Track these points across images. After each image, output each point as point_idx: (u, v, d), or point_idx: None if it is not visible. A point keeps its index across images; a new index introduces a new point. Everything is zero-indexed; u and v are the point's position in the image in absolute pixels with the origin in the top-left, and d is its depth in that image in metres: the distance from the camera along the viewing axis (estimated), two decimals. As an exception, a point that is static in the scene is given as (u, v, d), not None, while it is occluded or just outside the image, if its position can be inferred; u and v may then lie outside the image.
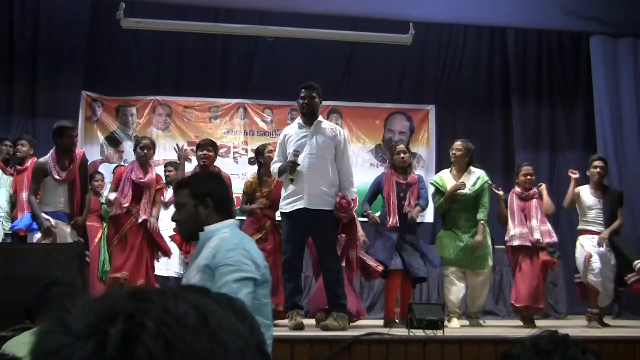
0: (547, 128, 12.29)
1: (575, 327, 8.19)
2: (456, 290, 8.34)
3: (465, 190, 8.33)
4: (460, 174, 8.44)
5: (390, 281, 8.17)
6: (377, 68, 12.42)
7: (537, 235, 8.47)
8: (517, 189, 8.71)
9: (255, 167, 8.85)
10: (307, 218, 6.82)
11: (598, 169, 8.71)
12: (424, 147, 12.48)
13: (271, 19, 11.47)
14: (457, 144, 8.55)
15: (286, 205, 6.95)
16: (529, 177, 8.67)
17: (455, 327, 7.88)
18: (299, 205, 6.84)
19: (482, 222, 8.31)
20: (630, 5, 10.96)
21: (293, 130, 7.09)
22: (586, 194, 8.75)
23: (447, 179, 8.50)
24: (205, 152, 7.91)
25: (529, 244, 8.47)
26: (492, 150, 12.40)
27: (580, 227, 8.83)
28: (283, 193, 7.06)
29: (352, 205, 7.04)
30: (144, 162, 8.10)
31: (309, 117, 7.03)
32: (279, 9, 11.02)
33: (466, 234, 8.30)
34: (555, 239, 8.68)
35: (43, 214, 7.49)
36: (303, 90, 7.13)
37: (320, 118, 7.15)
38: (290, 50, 11.90)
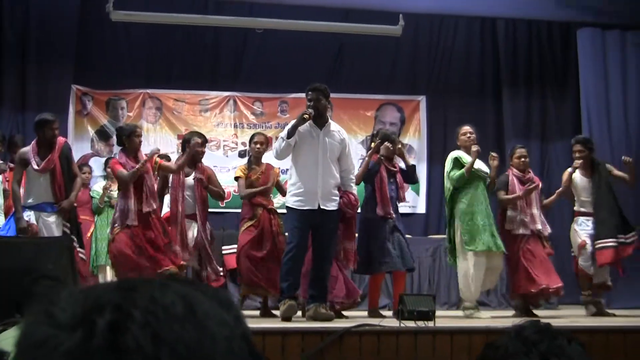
0: (537, 118, 12.32)
1: (567, 317, 8.23)
2: (490, 276, 8.33)
3: (486, 169, 8.34)
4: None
5: (375, 276, 8.30)
6: (368, 60, 12.42)
7: (539, 225, 8.57)
8: (516, 172, 8.75)
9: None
10: (317, 217, 6.98)
11: (577, 153, 8.84)
12: (415, 138, 12.49)
13: (261, 11, 11.45)
14: (469, 129, 8.45)
15: (296, 202, 7.06)
16: (523, 159, 8.78)
17: (486, 317, 7.96)
18: (311, 205, 6.98)
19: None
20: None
21: (304, 128, 7.09)
22: (576, 176, 8.85)
23: (466, 158, 8.30)
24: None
25: (529, 232, 8.54)
26: (484, 141, 12.33)
27: (575, 208, 8.95)
28: (291, 187, 7.17)
29: (358, 202, 7.34)
30: (136, 149, 8.08)
31: (317, 119, 7.09)
32: (268, 0, 11.02)
33: (487, 213, 8.24)
34: (549, 230, 8.76)
35: (24, 215, 7.60)
36: (309, 92, 7.18)
37: (329, 120, 7.24)
38: (280, 43, 11.88)
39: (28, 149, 7.74)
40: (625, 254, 8.59)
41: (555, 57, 12.41)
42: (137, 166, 7.69)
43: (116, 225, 7.78)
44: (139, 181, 7.88)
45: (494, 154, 8.41)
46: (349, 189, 7.19)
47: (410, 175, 8.50)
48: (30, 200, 7.70)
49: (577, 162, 8.75)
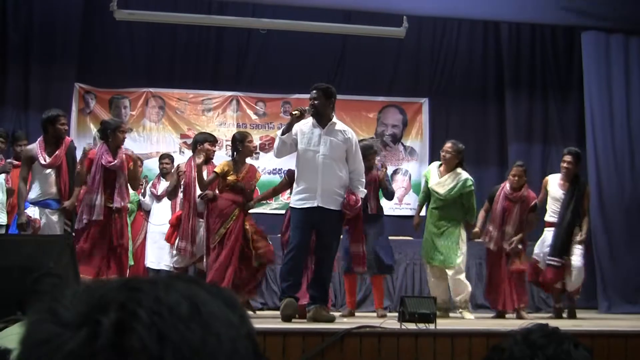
0: (540, 122, 12.31)
1: (567, 320, 8.23)
2: (434, 286, 8.61)
3: (442, 192, 8.43)
4: (446, 173, 8.56)
5: (374, 278, 8.67)
6: (371, 61, 12.41)
7: (506, 245, 8.68)
8: (507, 188, 8.80)
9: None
10: (317, 216, 6.95)
11: (565, 163, 8.81)
12: (418, 141, 12.49)
13: (264, 11, 11.46)
14: (448, 146, 8.65)
15: (297, 202, 7.07)
16: (516, 178, 8.78)
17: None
18: (311, 204, 6.97)
19: (471, 224, 8.63)
20: (622, 1, 10.98)
21: (307, 127, 7.12)
22: (554, 184, 8.85)
23: (432, 172, 8.69)
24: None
25: (496, 249, 8.75)
26: (486, 144, 12.43)
27: (545, 217, 8.94)
28: (294, 188, 7.19)
29: (359, 203, 7.20)
30: (118, 145, 8.07)
31: (317, 119, 7.10)
32: (272, 1, 11.01)
33: (440, 231, 8.45)
34: (520, 247, 8.78)
35: (26, 211, 7.69)
36: (311, 91, 7.20)
37: (334, 120, 7.20)
38: (283, 43, 11.89)
39: (34, 146, 7.80)
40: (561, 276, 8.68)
41: (559, 60, 12.40)
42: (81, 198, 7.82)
43: (84, 218, 7.81)
44: (110, 176, 7.89)
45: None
46: (354, 190, 7.11)
47: (384, 193, 8.71)
48: (35, 196, 7.75)
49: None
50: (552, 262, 8.62)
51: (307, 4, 10.85)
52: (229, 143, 11.93)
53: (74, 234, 7.80)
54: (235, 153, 8.31)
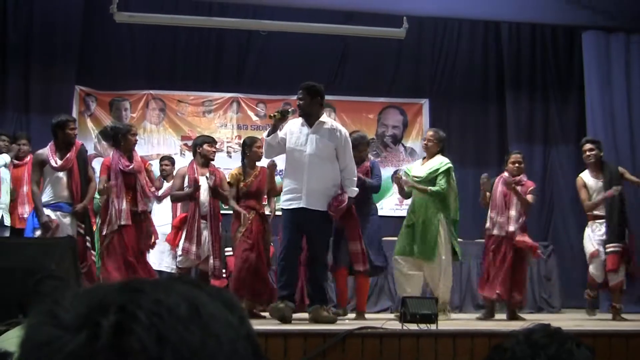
0: (540, 122, 12.32)
1: (569, 320, 8.22)
2: (408, 281, 8.19)
3: (421, 174, 8.34)
4: (428, 160, 8.50)
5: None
6: (371, 62, 12.42)
7: (512, 227, 8.52)
8: (506, 176, 8.72)
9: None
10: (303, 216, 6.93)
11: (587, 152, 8.77)
12: (418, 141, 12.48)
13: (265, 13, 11.45)
14: (430, 134, 8.62)
15: (285, 202, 7.08)
16: (517, 165, 8.74)
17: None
18: (297, 204, 6.94)
19: (430, 189, 8.16)
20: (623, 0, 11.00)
21: (296, 126, 7.12)
22: (588, 179, 8.80)
23: (414, 167, 8.67)
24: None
25: (504, 234, 8.54)
26: (486, 144, 12.43)
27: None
28: (283, 187, 7.21)
29: (343, 205, 7.04)
30: (131, 149, 8.13)
31: (305, 118, 7.09)
32: (272, 3, 11.02)
33: (420, 219, 8.22)
34: (524, 238, 8.65)
35: (44, 209, 7.67)
36: (297, 92, 7.22)
37: (323, 118, 7.16)
38: (284, 45, 11.89)
39: (45, 150, 7.82)
40: (631, 255, 8.61)
41: (559, 61, 12.40)
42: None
43: (107, 227, 7.85)
44: (130, 180, 7.97)
45: None
46: (345, 189, 7.06)
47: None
48: (47, 199, 7.76)
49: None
50: (613, 249, 8.52)
51: (308, 5, 10.86)
52: (230, 144, 12.03)
53: (88, 237, 7.85)
54: (244, 157, 8.37)
